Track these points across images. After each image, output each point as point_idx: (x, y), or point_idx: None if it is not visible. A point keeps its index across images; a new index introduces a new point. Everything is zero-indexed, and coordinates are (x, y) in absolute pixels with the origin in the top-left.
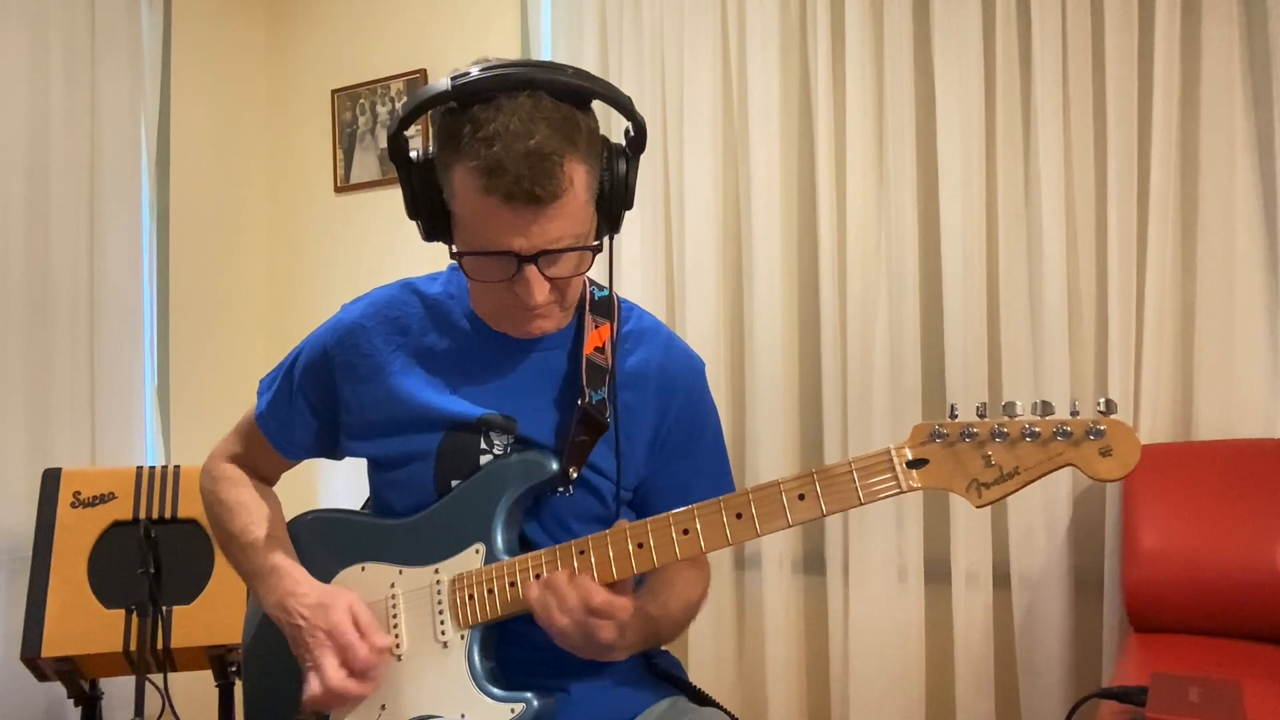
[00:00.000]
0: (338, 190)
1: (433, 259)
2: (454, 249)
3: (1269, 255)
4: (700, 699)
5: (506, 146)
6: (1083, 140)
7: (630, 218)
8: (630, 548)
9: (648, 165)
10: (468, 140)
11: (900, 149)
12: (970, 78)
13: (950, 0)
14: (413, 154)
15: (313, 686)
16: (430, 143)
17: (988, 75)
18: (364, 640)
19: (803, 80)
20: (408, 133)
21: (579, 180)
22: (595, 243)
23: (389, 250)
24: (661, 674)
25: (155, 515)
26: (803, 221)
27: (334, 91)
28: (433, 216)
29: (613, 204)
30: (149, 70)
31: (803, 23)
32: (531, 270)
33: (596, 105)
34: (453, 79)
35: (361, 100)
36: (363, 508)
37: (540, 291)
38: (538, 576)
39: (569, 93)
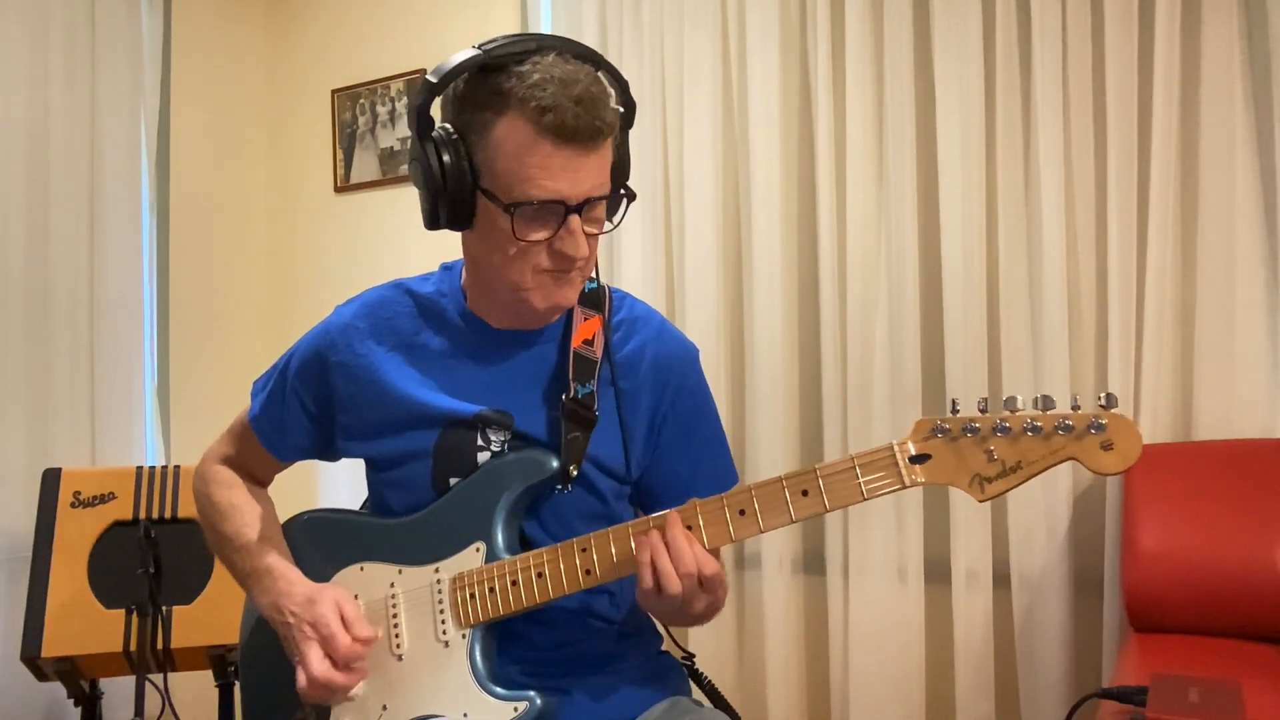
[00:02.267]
0: (338, 190)
1: (432, 259)
2: (504, 203)
3: (1269, 255)
4: (716, 702)
5: (558, 91)
6: (1083, 140)
7: (630, 216)
8: (633, 545)
9: (648, 164)
10: (514, 87)
11: (900, 149)
12: (970, 78)
13: (950, 0)
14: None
15: (299, 679)
16: (452, 116)
17: (988, 75)
18: (346, 631)
19: (803, 80)
20: (401, 131)
21: (614, 130)
22: (628, 191)
23: (389, 250)
24: (692, 675)
25: (155, 515)
26: (803, 221)
27: (334, 91)
28: (460, 189)
29: (620, 174)
30: (149, 70)
31: (803, 23)
32: (575, 220)
33: None
34: (478, 46)
35: (361, 100)
36: (361, 508)
37: (585, 243)
38: (539, 575)
39: (585, 58)
